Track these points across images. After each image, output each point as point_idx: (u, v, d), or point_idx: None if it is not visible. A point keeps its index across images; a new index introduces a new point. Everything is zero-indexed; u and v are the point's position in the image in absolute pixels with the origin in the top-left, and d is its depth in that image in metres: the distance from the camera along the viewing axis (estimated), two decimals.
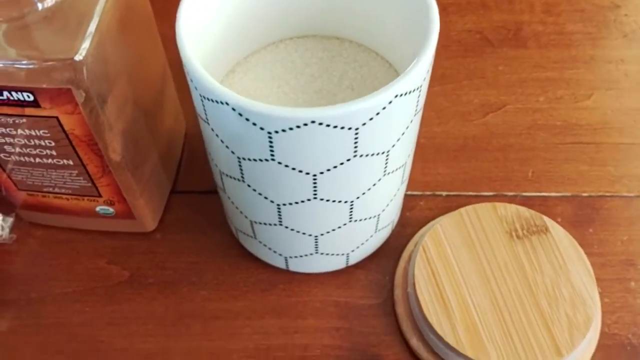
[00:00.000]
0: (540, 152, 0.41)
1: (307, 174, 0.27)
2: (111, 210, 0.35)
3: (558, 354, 0.31)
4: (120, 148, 0.31)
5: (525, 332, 0.31)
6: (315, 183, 0.28)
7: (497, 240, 0.34)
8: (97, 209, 0.35)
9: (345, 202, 0.29)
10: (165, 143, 0.38)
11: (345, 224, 0.31)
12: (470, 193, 0.39)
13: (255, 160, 0.27)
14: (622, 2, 0.49)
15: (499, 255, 0.34)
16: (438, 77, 0.44)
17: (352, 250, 0.34)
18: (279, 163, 0.26)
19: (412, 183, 0.38)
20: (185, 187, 0.40)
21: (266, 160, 0.26)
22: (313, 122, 0.24)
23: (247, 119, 0.24)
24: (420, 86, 0.26)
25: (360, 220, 0.32)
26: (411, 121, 0.28)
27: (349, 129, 0.25)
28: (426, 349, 0.33)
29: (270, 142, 0.25)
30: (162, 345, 0.34)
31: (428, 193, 0.39)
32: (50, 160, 0.31)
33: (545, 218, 0.35)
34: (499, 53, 0.46)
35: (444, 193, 0.39)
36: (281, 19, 0.33)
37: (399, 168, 0.30)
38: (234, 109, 0.24)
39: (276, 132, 0.25)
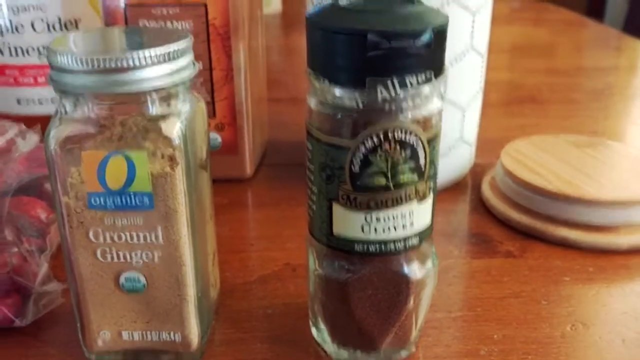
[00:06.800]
0: None
1: None
2: (219, 140, 0.39)
3: None
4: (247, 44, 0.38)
5: (614, 177, 0.35)
6: None
7: (565, 147, 0.39)
8: None
9: None
10: None
11: None
12: None
13: None
14: None
15: (571, 152, 0.38)
16: None
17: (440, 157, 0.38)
18: None
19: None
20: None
21: None
22: None
23: None
24: None
25: (449, 101, 0.36)
26: None
27: None
28: (527, 215, 0.35)
29: None
30: None
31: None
32: None
33: (602, 139, 0.40)
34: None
35: None
36: None
37: (480, 54, 0.37)
38: None
39: None
